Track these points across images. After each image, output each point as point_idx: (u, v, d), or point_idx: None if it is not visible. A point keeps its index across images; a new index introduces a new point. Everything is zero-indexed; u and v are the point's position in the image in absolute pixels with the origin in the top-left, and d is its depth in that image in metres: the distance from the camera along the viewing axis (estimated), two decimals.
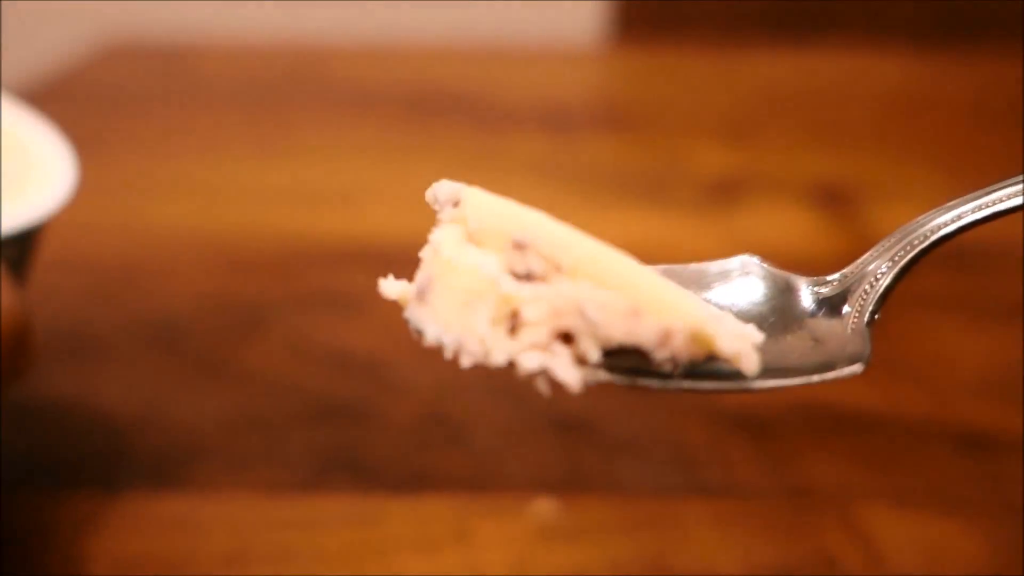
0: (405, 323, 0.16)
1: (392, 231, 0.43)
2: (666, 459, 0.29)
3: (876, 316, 0.17)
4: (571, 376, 0.15)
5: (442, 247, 0.16)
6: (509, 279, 0.16)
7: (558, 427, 0.30)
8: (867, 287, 0.18)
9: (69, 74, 0.69)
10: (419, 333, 0.16)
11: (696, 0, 0.81)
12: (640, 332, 0.15)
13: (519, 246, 0.16)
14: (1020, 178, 0.17)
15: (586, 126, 0.63)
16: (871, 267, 0.18)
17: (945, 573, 0.25)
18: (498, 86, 0.68)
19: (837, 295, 0.18)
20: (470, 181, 0.17)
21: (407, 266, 0.17)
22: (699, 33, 0.80)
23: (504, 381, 0.32)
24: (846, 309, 0.18)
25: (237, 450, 0.29)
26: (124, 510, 0.27)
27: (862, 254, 0.18)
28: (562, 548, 0.26)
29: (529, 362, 0.15)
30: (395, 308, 0.17)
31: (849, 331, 0.17)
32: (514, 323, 0.15)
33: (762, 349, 0.16)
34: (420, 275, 0.16)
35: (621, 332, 0.15)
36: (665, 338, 0.15)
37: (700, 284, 0.18)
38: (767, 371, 0.16)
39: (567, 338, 0.15)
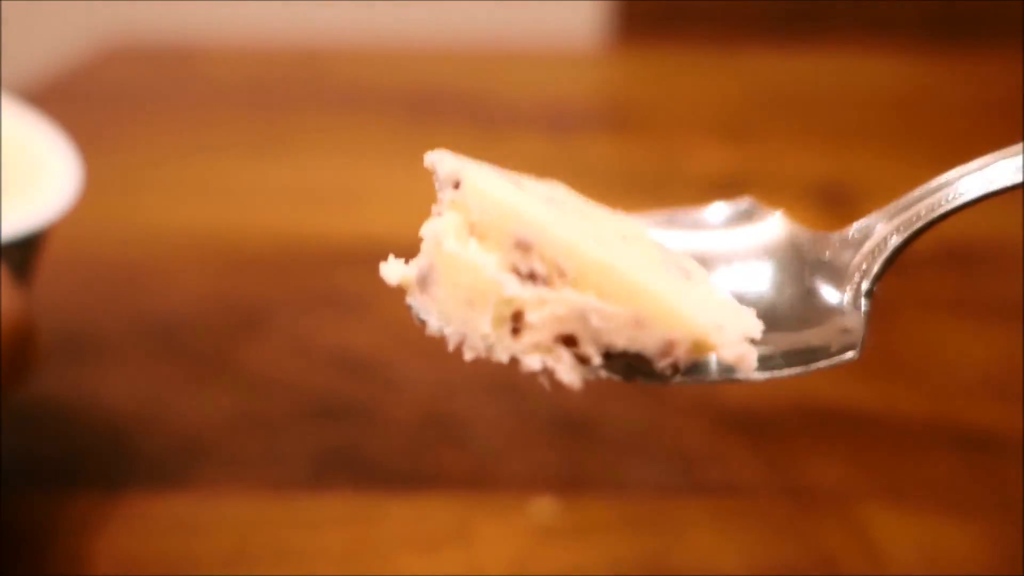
0: (405, 321, 0.16)
1: (392, 231, 0.42)
2: (666, 459, 0.29)
3: (879, 279, 0.17)
4: (573, 377, 0.15)
5: (444, 239, 0.16)
6: (512, 279, 0.16)
7: (558, 427, 0.30)
8: (874, 249, 0.17)
9: (69, 74, 0.69)
10: (422, 322, 0.16)
11: (696, 0, 0.81)
12: (644, 342, 0.15)
13: (522, 246, 0.16)
14: None
15: (586, 126, 0.63)
16: (878, 227, 0.17)
17: (945, 573, 0.25)
18: (498, 86, 0.68)
19: (842, 253, 0.17)
20: None
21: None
22: (699, 33, 0.80)
23: (504, 380, 0.32)
24: (850, 269, 0.17)
25: (237, 450, 0.29)
26: (124, 510, 0.27)
27: None
28: (562, 548, 0.26)
29: (532, 362, 0.15)
30: (395, 308, 0.17)
31: (849, 304, 0.17)
32: (517, 325, 0.15)
33: (761, 341, 0.16)
34: (420, 260, 0.16)
35: (624, 340, 0.15)
36: (668, 348, 0.15)
37: (702, 240, 0.18)
38: (763, 360, 0.16)
39: (569, 339, 0.15)
